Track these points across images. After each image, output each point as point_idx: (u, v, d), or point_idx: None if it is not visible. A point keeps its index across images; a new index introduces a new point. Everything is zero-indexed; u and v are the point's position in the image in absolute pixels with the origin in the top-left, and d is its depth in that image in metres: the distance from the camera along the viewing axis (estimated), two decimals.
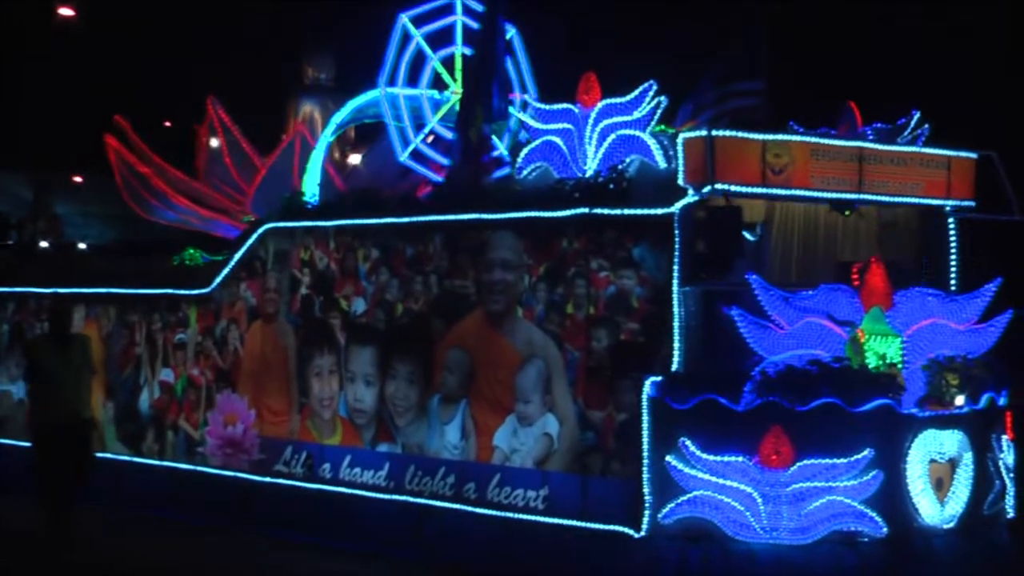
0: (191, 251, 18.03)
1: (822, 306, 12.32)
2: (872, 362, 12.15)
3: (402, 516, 13.92)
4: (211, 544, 14.81)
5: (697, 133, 12.15)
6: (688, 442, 11.90)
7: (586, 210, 12.44)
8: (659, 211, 12.13)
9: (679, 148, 12.21)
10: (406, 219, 14.00)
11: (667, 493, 11.95)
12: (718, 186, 12.01)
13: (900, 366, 12.22)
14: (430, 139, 15.69)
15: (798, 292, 12.28)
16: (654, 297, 12.15)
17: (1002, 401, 12.88)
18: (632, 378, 12.12)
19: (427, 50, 15.85)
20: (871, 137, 13.51)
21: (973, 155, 13.71)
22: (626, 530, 12.05)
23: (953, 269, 13.86)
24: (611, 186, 12.32)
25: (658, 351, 12.08)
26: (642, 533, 11.97)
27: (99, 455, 17.11)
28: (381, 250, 14.30)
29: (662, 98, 12.42)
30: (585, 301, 12.51)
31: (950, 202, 13.57)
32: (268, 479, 15.29)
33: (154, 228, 20.90)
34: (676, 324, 12.04)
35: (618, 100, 12.68)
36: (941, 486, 12.22)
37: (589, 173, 12.73)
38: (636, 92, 12.56)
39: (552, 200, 12.74)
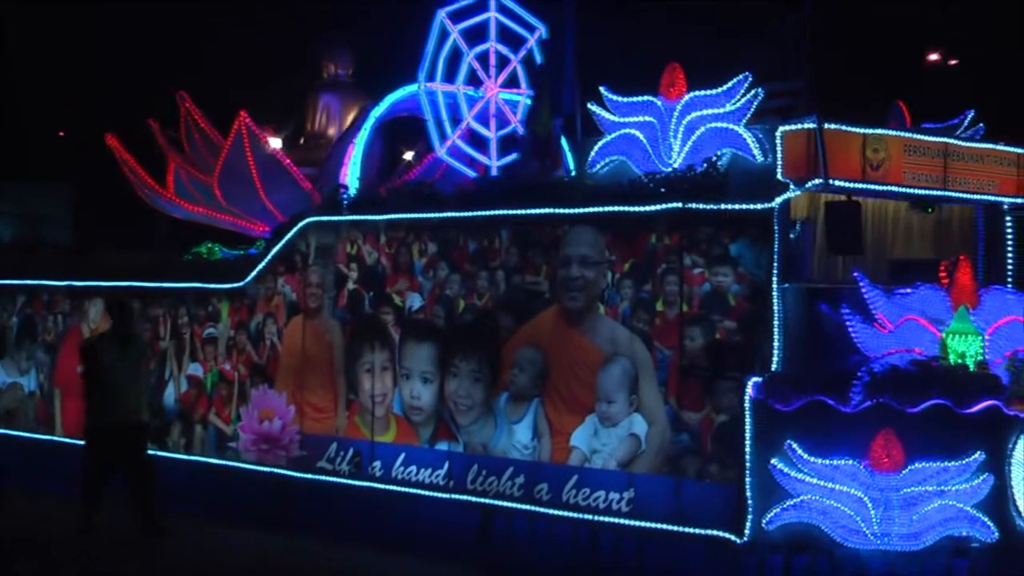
0: (209, 244, 15.98)
1: (919, 305, 10.68)
2: (952, 361, 10.54)
3: (463, 516, 12.00)
4: (249, 539, 12.73)
5: (800, 126, 10.36)
6: (794, 445, 10.12)
7: (679, 205, 10.59)
8: (758, 206, 10.34)
9: (778, 141, 10.46)
10: (469, 213, 12.05)
11: (771, 498, 10.16)
12: (830, 181, 10.32)
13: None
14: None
15: (896, 291, 10.63)
16: (752, 295, 10.33)
17: None
18: (732, 378, 10.32)
19: (463, 46, 14.00)
20: None
21: None
22: (727, 535, 10.22)
23: (1010, 267, 12.32)
24: (707, 180, 10.51)
25: (757, 350, 10.29)
26: (745, 539, 10.17)
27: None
28: (439, 244, 12.30)
29: (759, 90, 10.64)
30: (677, 298, 10.65)
31: (1008, 199, 12.01)
32: (310, 476, 13.23)
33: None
34: (776, 323, 10.28)
35: (707, 92, 10.86)
36: None
37: (675, 167, 10.91)
38: (729, 84, 10.72)
39: (639, 194, 10.87)
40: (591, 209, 11.09)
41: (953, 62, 16.14)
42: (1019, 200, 11.99)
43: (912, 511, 10.00)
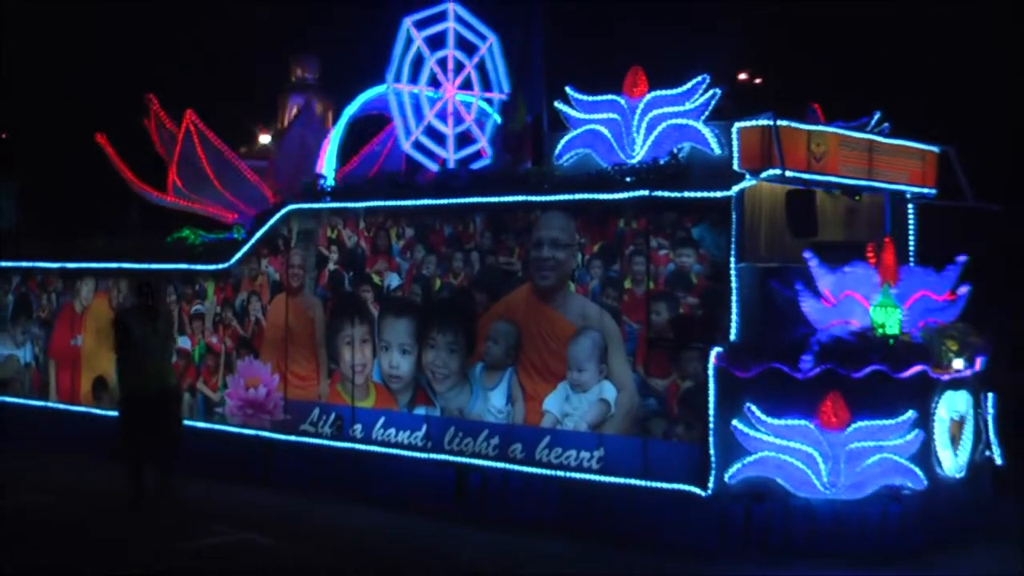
0: (187, 231, 14.86)
1: (854, 282, 10.13)
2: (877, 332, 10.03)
3: (440, 475, 11.18)
4: (242, 495, 11.86)
5: (755, 123, 9.73)
6: (753, 407, 9.52)
7: (647, 192, 9.89)
8: (718, 194, 9.67)
9: (734, 136, 9.81)
10: (445, 200, 11.20)
11: (732, 454, 9.55)
12: (776, 171, 9.68)
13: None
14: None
15: (837, 269, 10.07)
16: (712, 274, 9.69)
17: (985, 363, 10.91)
18: (696, 348, 9.67)
19: (426, 51, 13.08)
20: None
21: (937, 149, 11.72)
22: (693, 489, 9.59)
23: (911, 248, 11.86)
24: (671, 170, 9.82)
25: (718, 323, 9.65)
26: (709, 492, 9.55)
27: (110, 414, 14.00)
28: (416, 229, 11.43)
29: (716, 90, 9.97)
30: (644, 277, 9.95)
31: (915, 188, 11.55)
32: (293, 438, 12.30)
33: None
34: (734, 298, 9.66)
35: (668, 92, 10.16)
36: (955, 441, 10.17)
37: (637, 159, 10.19)
38: (688, 85, 10.04)
39: (608, 183, 10.14)
40: (563, 196, 10.33)
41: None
42: (922, 190, 11.57)
43: (856, 464, 9.46)
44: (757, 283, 9.86)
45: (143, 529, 10.57)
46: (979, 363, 10.51)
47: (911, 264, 11.57)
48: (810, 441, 9.46)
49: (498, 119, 13.63)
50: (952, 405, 10.10)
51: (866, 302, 10.06)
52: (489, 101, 13.77)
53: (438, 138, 13.44)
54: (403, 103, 12.93)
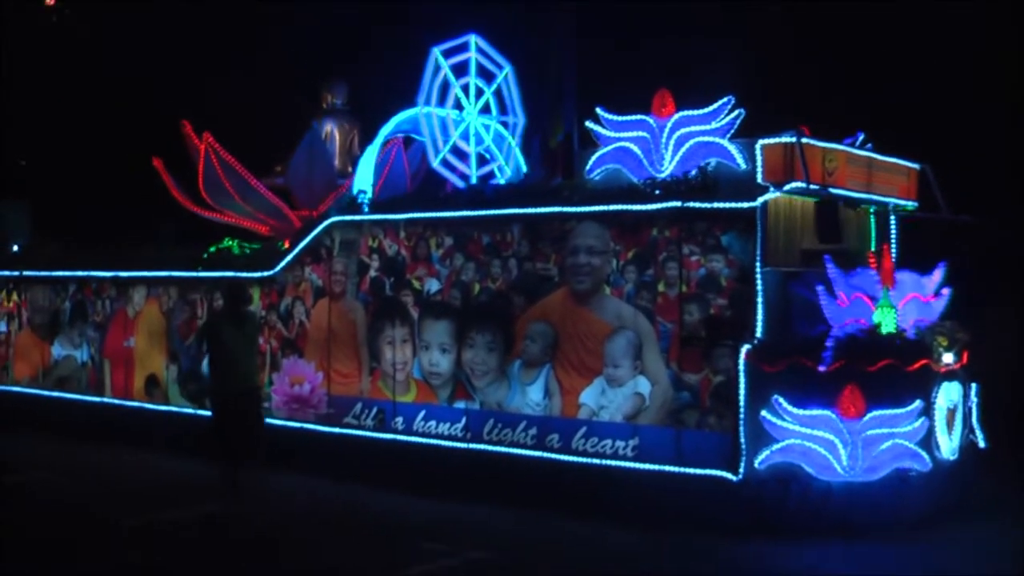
0: (229, 241, 13.93)
1: (862, 285, 9.52)
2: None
3: (480, 464, 10.39)
4: (291, 484, 10.88)
5: (778, 140, 9.07)
6: (780, 399, 8.83)
7: (679, 204, 9.18)
8: (745, 205, 9.00)
9: (758, 152, 9.14)
10: (484, 212, 10.40)
11: (760, 442, 8.85)
12: (800, 184, 9.05)
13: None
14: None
15: (850, 273, 9.45)
16: (740, 277, 9.00)
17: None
18: (727, 346, 8.98)
19: (452, 78, 12.31)
20: None
21: (917, 166, 11.15)
22: (725, 474, 8.90)
23: (894, 256, 11.21)
24: (701, 184, 9.12)
25: (745, 322, 8.97)
26: (739, 477, 8.87)
27: (164, 408, 13.04)
28: (455, 238, 10.62)
29: (740, 110, 9.29)
30: (677, 281, 9.25)
31: (900, 201, 10.97)
32: (336, 430, 11.44)
33: None
34: (759, 300, 8.98)
35: (695, 112, 9.46)
36: (950, 427, 9.58)
37: (666, 173, 9.48)
38: (715, 105, 9.36)
39: (642, 195, 9.42)
40: (600, 208, 9.58)
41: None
42: (907, 203, 10.99)
43: (871, 449, 8.82)
44: (779, 285, 9.20)
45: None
46: (965, 357, 9.98)
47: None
48: (831, 429, 8.80)
49: (513, 142, 12.96)
50: (948, 395, 9.50)
51: (872, 303, 9.47)
52: (504, 124, 13.08)
53: (460, 156, 12.74)
54: (432, 125, 12.15)
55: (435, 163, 12.21)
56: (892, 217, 11.24)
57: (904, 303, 9.77)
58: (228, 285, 11.17)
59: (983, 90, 15.25)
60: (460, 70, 12.64)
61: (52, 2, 25.85)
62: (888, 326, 9.43)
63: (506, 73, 13.05)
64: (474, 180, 12.37)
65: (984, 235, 11.33)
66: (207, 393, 10.37)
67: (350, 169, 16.12)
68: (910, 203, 10.92)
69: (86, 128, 22.98)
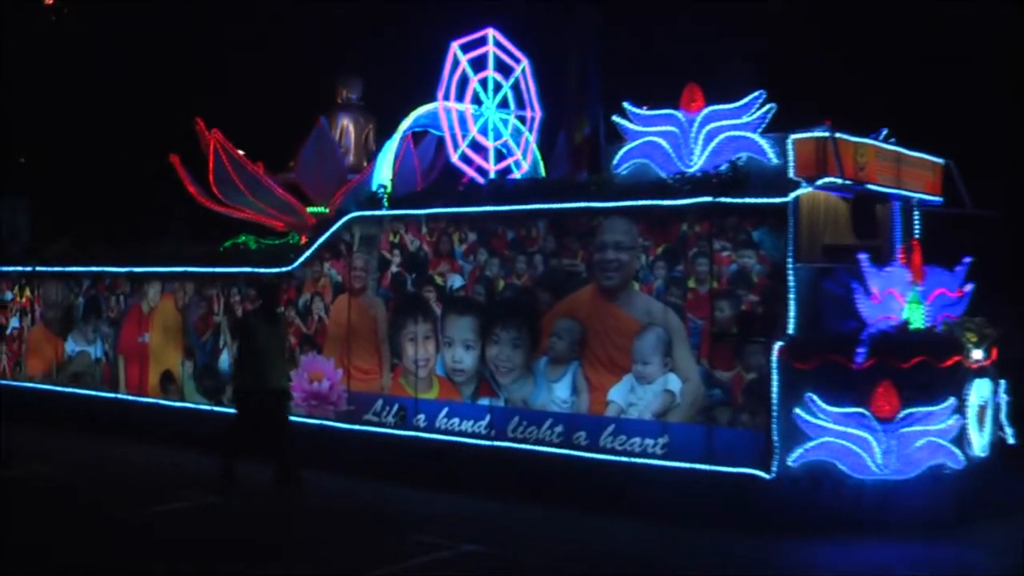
0: (245, 237, 13.86)
1: (893, 280, 9.45)
2: None
3: (504, 461, 10.30)
4: (312, 480, 10.73)
5: (810, 134, 9.00)
6: (813, 396, 8.77)
7: (710, 199, 9.11)
8: (777, 200, 8.93)
9: (789, 147, 9.07)
10: (508, 207, 10.32)
11: (793, 440, 8.79)
12: (834, 179, 8.98)
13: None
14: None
15: (881, 269, 9.37)
16: (772, 273, 8.94)
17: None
18: (759, 342, 8.90)
19: (470, 72, 12.22)
20: None
21: (941, 161, 11.08)
22: (757, 472, 8.83)
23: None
24: (732, 178, 9.04)
25: (776, 319, 8.90)
26: (772, 475, 8.80)
27: (179, 405, 12.95)
28: (479, 233, 10.54)
29: (772, 105, 9.20)
30: (708, 277, 9.18)
31: (926, 197, 10.88)
32: (357, 427, 11.37)
33: None
34: (791, 296, 8.91)
35: (725, 106, 9.38)
36: (981, 424, 9.52)
37: (695, 168, 9.41)
38: (745, 100, 9.28)
39: (672, 190, 9.35)
40: (629, 203, 9.51)
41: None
42: (933, 198, 10.92)
43: (906, 447, 8.77)
44: (810, 281, 9.13)
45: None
46: (995, 353, 9.93)
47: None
48: (865, 427, 8.74)
49: (530, 137, 12.87)
50: (979, 391, 9.45)
51: (903, 299, 9.41)
52: (522, 119, 12.99)
53: (478, 150, 12.64)
54: (451, 119, 12.06)
55: (454, 157, 12.14)
56: (916, 212, 11.22)
57: (932, 299, 9.74)
58: (263, 283, 11.10)
59: (1001, 85, 15.20)
60: (478, 65, 12.60)
61: (51, 1, 25.69)
62: (917, 322, 9.40)
63: (523, 67, 12.97)
64: (491, 175, 12.33)
65: (1005, 230, 11.28)
66: (235, 390, 10.28)
67: (365, 164, 16.07)
68: (935, 198, 10.88)
69: (90, 126, 22.87)
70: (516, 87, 13.06)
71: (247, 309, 12.33)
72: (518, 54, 12.96)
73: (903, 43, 15.39)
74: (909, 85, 15.12)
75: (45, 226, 18.09)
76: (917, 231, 11.22)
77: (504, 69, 12.95)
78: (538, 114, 13.17)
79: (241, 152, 14.18)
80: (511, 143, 12.92)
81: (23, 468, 11.61)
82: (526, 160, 12.98)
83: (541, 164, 13.39)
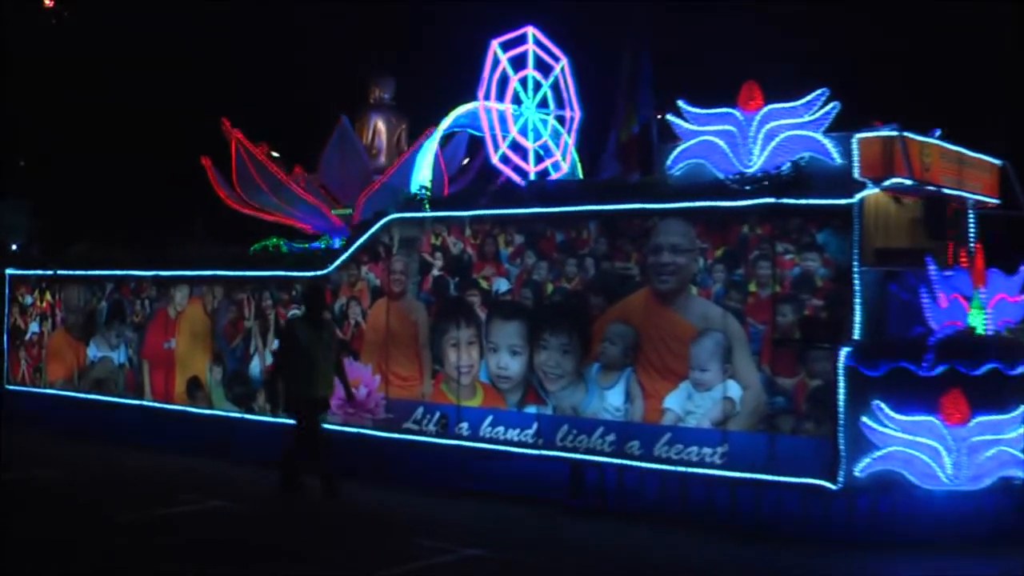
0: (275, 239, 13.64)
1: (957, 285, 9.25)
2: None
3: (552, 471, 10.08)
4: (365, 494, 10.48)
5: (876, 134, 8.81)
6: (881, 404, 8.56)
7: (773, 200, 8.90)
8: (842, 201, 8.72)
9: (854, 146, 8.86)
10: (558, 208, 10.10)
11: (860, 449, 8.58)
12: (902, 180, 8.79)
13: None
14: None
15: (947, 273, 9.16)
16: (837, 276, 8.73)
17: None
18: (824, 348, 8.69)
19: (510, 71, 12.03)
20: None
21: (999, 162, 10.88)
22: (823, 483, 8.60)
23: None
24: (795, 179, 8.82)
25: (842, 324, 8.68)
26: (839, 485, 8.57)
27: (208, 412, 12.72)
28: (526, 236, 10.33)
29: (836, 103, 9.00)
30: (770, 280, 8.96)
31: (985, 198, 10.67)
32: (396, 435, 11.13)
33: None
34: (857, 300, 8.70)
35: (785, 105, 9.17)
36: None
37: (754, 168, 9.20)
38: (808, 97, 9.06)
39: (731, 191, 9.14)
40: (686, 204, 9.30)
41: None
42: (990, 199, 10.71)
43: (976, 457, 8.56)
44: (877, 285, 8.91)
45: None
46: None
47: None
48: (935, 436, 8.53)
49: (568, 138, 12.67)
50: None
51: (967, 304, 9.20)
52: (560, 119, 12.79)
53: (517, 151, 12.44)
54: (491, 119, 11.86)
55: (495, 159, 11.93)
56: (971, 213, 11.02)
57: (993, 303, 9.54)
58: (307, 286, 10.85)
59: None
60: (517, 64, 12.40)
61: (51, 4, 25.49)
62: (980, 328, 9.19)
63: (563, 66, 12.77)
64: (531, 177, 12.12)
65: None
66: (287, 399, 10.02)
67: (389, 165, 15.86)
68: (993, 200, 10.68)
69: (100, 126, 22.66)
70: (555, 86, 12.90)
71: (285, 315, 12.12)
72: (557, 52, 12.77)
73: (946, 41, 15.21)
74: (952, 83, 14.94)
75: (48, 227, 17.93)
76: (972, 233, 11.06)
77: (543, 67, 12.77)
78: (577, 114, 12.99)
79: (276, 153, 14.00)
80: (551, 144, 12.71)
81: (24, 471, 11.49)
82: (565, 162, 12.79)
83: (579, 167, 13.20)
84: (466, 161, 14.71)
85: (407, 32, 17.93)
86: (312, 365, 9.82)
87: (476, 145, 14.66)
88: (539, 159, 12.60)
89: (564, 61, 12.78)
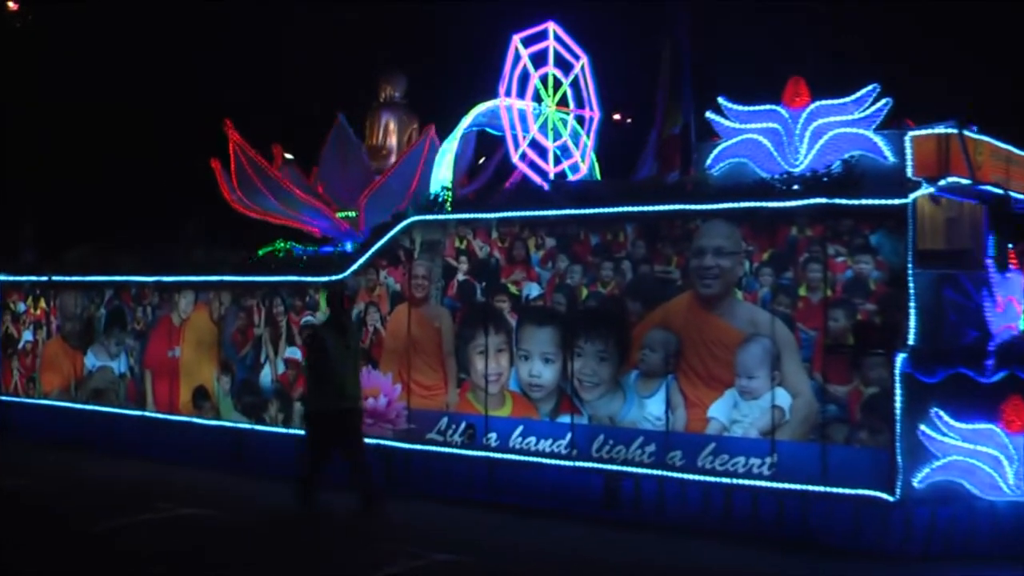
0: (281, 243, 13.25)
1: (1011, 287, 9.04)
2: None
3: (587, 482, 9.78)
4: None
5: (930, 131, 8.57)
6: (940, 412, 8.32)
7: (824, 200, 8.63)
8: (896, 201, 8.48)
9: (907, 145, 8.62)
10: (592, 210, 9.79)
11: (919, 459, 8.33)
12: (958, 179, 8.56)
13: None
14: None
15: (1003, 275, 8.95)
16: (891, 280, 8.48)
17: None
18: (879, 354, 8.43)
19: (531, 69, 11.73)
20: None
21: None
22: (880, 494, 8.33)
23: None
24: (846, 178, 8.57)
25: (897, 329, 8.43)
26: (896, 497, 8.31)
27: (216, 423, 12.31)
28: (557, 239, 10.02)
29: (888, 99, 8.75)
30: (821, 284, 8.70)
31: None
32: (418, 446, 10.78)
33: None
34: (912, 304, 8.46)
35: (834, 101, 8.93)
36: None
37: (801, 168, 8.94)
38: (858, 94, 8.83)
39: (775, 191, 8.87)
40: (730, 204, 9.02)
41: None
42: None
43: None
44: (930, 288, 8.68)
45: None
46: None
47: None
48: (996, 444, 8.30)
49: (587, 139, 12.39)
50: None
51: (1020, 307, 9.00)
52: (580, 119, 12.51)
53: (537, 151, 12.14)
54: (512, 117, 11.55)
55: (515, 158, 11.64)
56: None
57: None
58: (331, 291, 10.46)
59: None
60: (539, 60, 12.12)
61: (15, 7, 24.94)
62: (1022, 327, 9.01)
63: (583, 64, 12.52)
64: (552, 177, 11.83)
65: None
66: (307, 412, 9.64)
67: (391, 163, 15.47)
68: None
69: (93, 128, 22.15)
70: (574, 85, 12.62)
71: (298, 321, 11.73)
72: (577, 50, 12.51)
73: (976, 37, 15.08)
74: (982, 78, 14.80)
75: (41, 230, 17.46)
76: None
77: (563, 65, 12.49)
78: (596, 114, 12.74)
79: (290, 156, 13.61)
80: (570, 144, 12.44)
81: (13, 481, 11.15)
82: (584, 163, 12.50)
83: (597, 168, 12.92)
84: (481, 160, 14.38)
85: (415, 29, 17.61)
86: (338, 374, 9.44)
87: (486, 144, 14.35)
88: (556, 160, 12.36)
89: (584, 59, 12.52)
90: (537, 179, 11.50)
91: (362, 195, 14.71)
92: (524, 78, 11.85)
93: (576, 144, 12.47)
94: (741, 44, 15.45)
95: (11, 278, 14.78)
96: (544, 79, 12.07)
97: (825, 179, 8.64)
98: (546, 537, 9.10)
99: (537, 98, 11.97)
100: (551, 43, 12.12)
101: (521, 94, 11.81)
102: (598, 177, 12.71)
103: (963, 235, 10.71)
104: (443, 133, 13.96)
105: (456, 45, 13.43)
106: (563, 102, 12.32)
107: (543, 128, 12.01)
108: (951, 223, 10.67)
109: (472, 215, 10.56)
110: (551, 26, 12.07)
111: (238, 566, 8.21)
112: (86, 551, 8.47)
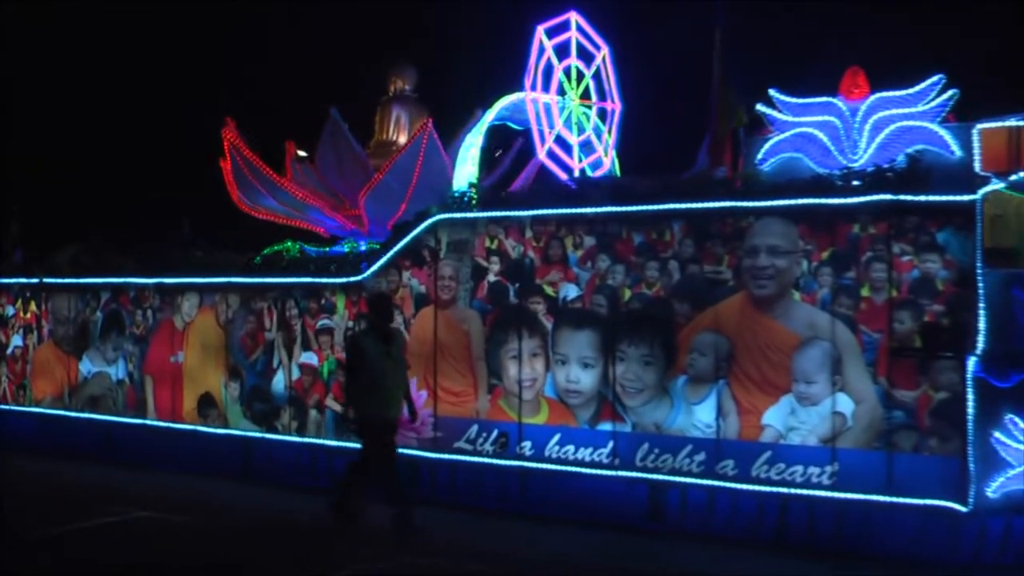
0: (289, 244, 12.73)
1: None
2: None
3: (630, 492, 9.40)
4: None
5: (1000, 124, 8.28)
6: (1015, 418, 8.03)
7: (889, 196, 8.30)
8: (964, 197, 8.16)
9: (975, 138, 8.32)
10: (636, 207, 9.40)
11: (992, 468, 8.03)
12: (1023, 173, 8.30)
13: None
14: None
15: None
16: (959, 280, 8.18)
17: None
18: (949, 358, 8.11)
19: (555, 60, 11.34)
20: None
21: None
22: (952, 504, 8.03)
23: None
24: (912, 174, 8.25)
25: (966, 331, 8.12)
26: (969, 507, 8.01)
27: (224, 431, 11.81)
28: (597, 238, 9.62)
29: (954, 91, 8.44)
30: (886, 284, 8.37)
31: None
32: (446, 456, 10.34)
33: None
34: (981, 305, 8.15)
35: (895, 93, 8.62)
36: None
37: (860, 163, 8.62)
38: (922, 86, 8.53)
39: (833, 187, 8.53)
40: (786, 201, 8.66)
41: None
42: None
43: None
44: (999, 288, 8.38)
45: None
46: None
47: None
48: None
49: (608, 136, 12.02)
50: None
51: None
52: (602, 112, 12.12)
53: (561, 145, 11.74)
54: (538, 111, 11.14)
55: (541, 154, 11.23)
56: None
57: None
58: (373, 294, 9.96)
59: None
60: (562, 52, 11.71)
61: None
62: None
63: (604, 55, 12.14)
64: (576, 173, 11.45)
65: None
66: (362, 419, 9.14)
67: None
68: None
69: (91, 127, 21.49)
70: (596, 77, 12.24)
71: (313, 325, 11.23)
72: (599, 41, 12.14)
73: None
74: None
75: (30, 230, 16.87)
76: None
77: (585, 56, 12.11)
78: (618, 107, 12.36)
79: (303, 153, 13.10)
80: (593, 139, 12.06)
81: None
82: (607, 158, 12.12)
83: (617, 164, 12.54)
84: (497, 153, 13.95)
85: (418, 23, 17.17)
86: (379, 382, 8.95)
87: (498, 137, 13.91)
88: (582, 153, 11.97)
89: (605, 50, 12.16)
90: (562, 175, 11.12)
91: (361, 193, 14.24)
92: (548, 71, 11.48)
93: (599, 138, 12.12)
94: (775, 36, 15.17)
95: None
96: (567, 71, 11.70)
97: (889, 174, 8.32)
98: (587, 548, 8.76)
99: (560, 91, 11.61)
100: (573, 33, 11.73)
101: (546, 87, 11.42)
102: (618, 173, 12.35)
103: (1009, 233, 10.52)
104: (447, 128, 13.58)
105: (456, 38, 13.06)
106: (585, 95, 11.99)
107: (567, 122, 11.63)
108: (995, 219, 10.46)
109: (504, 213, 10.12)
110: (573, 16, 11.69)
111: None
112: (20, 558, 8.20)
